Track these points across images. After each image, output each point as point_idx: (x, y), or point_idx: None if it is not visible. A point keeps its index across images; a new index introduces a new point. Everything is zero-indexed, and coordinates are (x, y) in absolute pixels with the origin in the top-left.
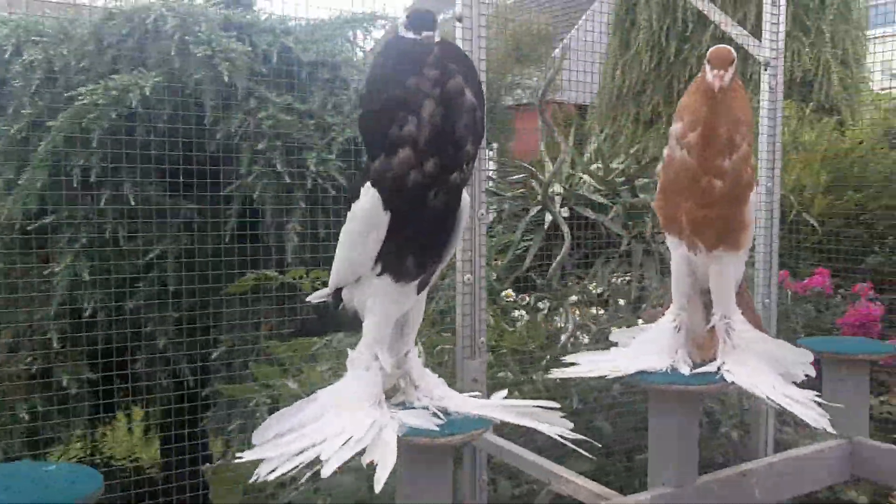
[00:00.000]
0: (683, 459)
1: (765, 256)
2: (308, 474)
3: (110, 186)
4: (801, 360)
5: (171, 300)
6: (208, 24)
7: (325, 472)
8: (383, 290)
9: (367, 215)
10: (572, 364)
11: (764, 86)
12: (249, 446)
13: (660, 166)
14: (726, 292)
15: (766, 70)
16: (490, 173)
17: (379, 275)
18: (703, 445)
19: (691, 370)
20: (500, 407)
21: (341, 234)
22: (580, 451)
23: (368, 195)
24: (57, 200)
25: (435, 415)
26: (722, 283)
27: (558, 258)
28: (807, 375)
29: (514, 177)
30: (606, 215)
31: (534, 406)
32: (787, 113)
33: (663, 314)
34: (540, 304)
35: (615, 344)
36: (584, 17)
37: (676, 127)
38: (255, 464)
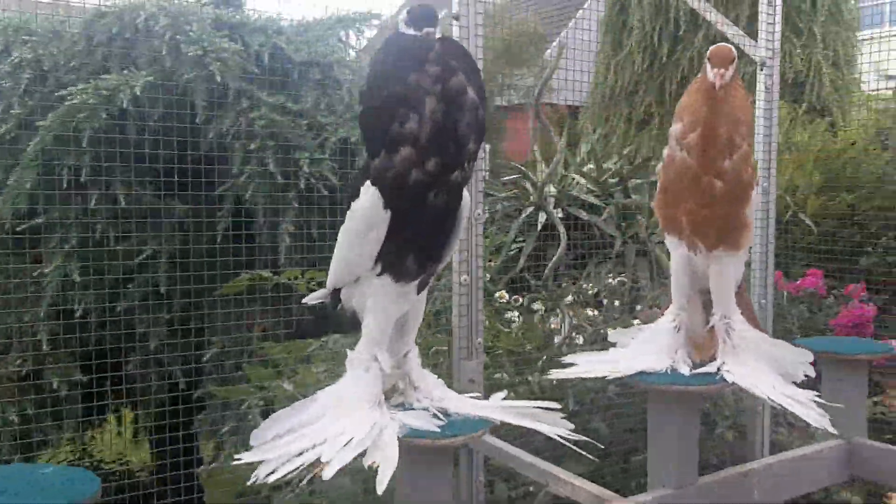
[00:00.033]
0: (683, 460)
1: (761, 257)
2: (309, 476)
3: (101, 187)
4: (800, 361)
5: (162, 301)
6: (199, 24)
7: (327, 473)
8: (383, 290)
9: (366, 214)
10: (571, 365)
11: (760, 86)
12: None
13: (659, 166)
14: (726, 292)
15: (762, 70)
16: (485, 173)
17: (379, 274)
18: (699, 447)
19: (691, 370)
20: (499, 408)
21: (340, 234)
22: (581, 452)
23: (368, 194)
24: (47, 201)
25: (435, 416)
26: (722, 283)
27: (554, 258)
28: (806, 376)
29: (507, 177)
30: (600, 216)
31: (534, 407)
32: (780, 113)
33: (662, 314)
34: (534, 306)
35: (612, 344)
36: (575, 19)
37: (676, 127)
38: (252, 465)
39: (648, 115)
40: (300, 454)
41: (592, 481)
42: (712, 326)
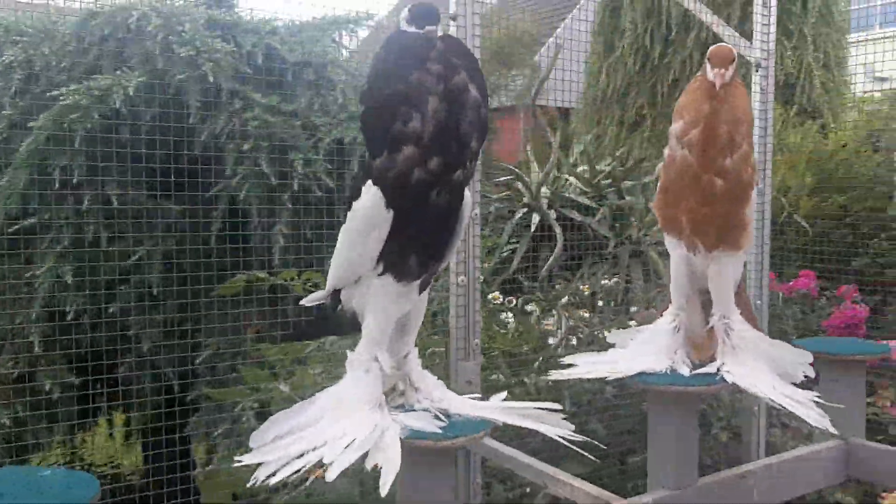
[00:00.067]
0: (683, 461)
1: (756, 258)
2: (312, 478)
3: (94, 187)
4: (799, 361)
5: (156, 303)
6: (192, 24)
7: (330, 476)
8: (384, 291)
9: (368, 214)
10: (570, 365)
11: (755, 87)
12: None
13: (660, 166)
14: (726, 293)
15: (756, 71)
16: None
17: (380, 274)
18: None
19: (691, 371)
20: (500, 409)
21: (341, 234)
22: (583, 453)
23: (370, 193)
24: (39, 201)
25: (436, 417)
26: (721, 284)
27: (551, 259)
28: (806, 376)
29: (500, 179)
30: (593, 217)
31: (535, 408)
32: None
33: (661, 315)
34: (528, 307)
35: (610, 345)
36: (566, 21)
37: (677, 125)
38: (249, 467)
39: (640, 116)
40: (301, 456)
41: (590, 483)
42: (711, 327)
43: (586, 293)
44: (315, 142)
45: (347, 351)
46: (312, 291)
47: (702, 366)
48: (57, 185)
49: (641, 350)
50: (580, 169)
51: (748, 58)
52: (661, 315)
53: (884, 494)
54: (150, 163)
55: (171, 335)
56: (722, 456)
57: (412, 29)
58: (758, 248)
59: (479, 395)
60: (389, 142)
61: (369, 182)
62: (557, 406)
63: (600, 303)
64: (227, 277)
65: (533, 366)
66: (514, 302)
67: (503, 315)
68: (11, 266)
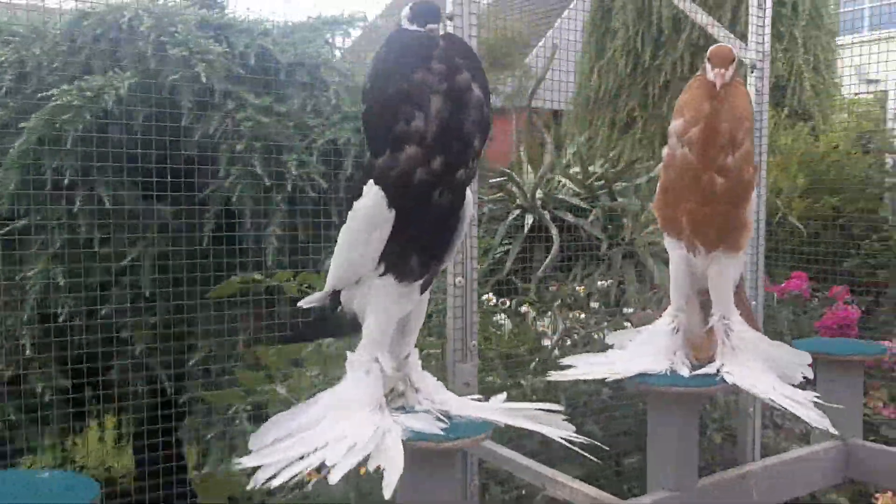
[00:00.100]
0: (683, 462)
1: (751, 258)
2: (314, 481)
3: (85, 189)
4: (798, 362)
5: (148, 304)
6: (185, 25)
7: (333, 478)
8: (385, 291)
9: (370, 214)
10: (569, 367)
11: (750, 88)
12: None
13: (658, 166)
14: (725, 293)
15: (752, 73)
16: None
17: (382, 275)
18: None
19: (690, 372)
20: (502, 410)
21: (341, 234)
22: (585, 454)
23: (372, 193)
24: (30, 203)
25: (438, 419)
26: (721, 284)
27: (548, 260)
28: (805, 377)
29: (493, 180)
30: (586, 219)
31: (536, 409)
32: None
33: (659, 316)
34: (521, 309)
35: (608, 346)
36: (557, 23)
37: (677, 124)
38: (246, 471)
39: (631, 118)
40: (302, 458)
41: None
42: (711, 327)
43: (583, 294)
44: (308, 143)
45: (347, 352)
46: (308, 293)
47: (701, 366)
48: (49, 186)
49: (640, 351)
50: (573, 170)
51: (743, 59)
52: (661, 316)
53: (877, 495)
54: (142, 164)
55: (163, 337)
56: (717, 457)
57: (414, 27)
58: (753, 249)
59: (480, 397)
60: (392, 141)
61: (371, 181)
62: (559, 407)
63: (595, 304)
64: (220, 279)
65: (529, 367)
66: (508, 303)
67: (497, 317)
68: (3, 268)
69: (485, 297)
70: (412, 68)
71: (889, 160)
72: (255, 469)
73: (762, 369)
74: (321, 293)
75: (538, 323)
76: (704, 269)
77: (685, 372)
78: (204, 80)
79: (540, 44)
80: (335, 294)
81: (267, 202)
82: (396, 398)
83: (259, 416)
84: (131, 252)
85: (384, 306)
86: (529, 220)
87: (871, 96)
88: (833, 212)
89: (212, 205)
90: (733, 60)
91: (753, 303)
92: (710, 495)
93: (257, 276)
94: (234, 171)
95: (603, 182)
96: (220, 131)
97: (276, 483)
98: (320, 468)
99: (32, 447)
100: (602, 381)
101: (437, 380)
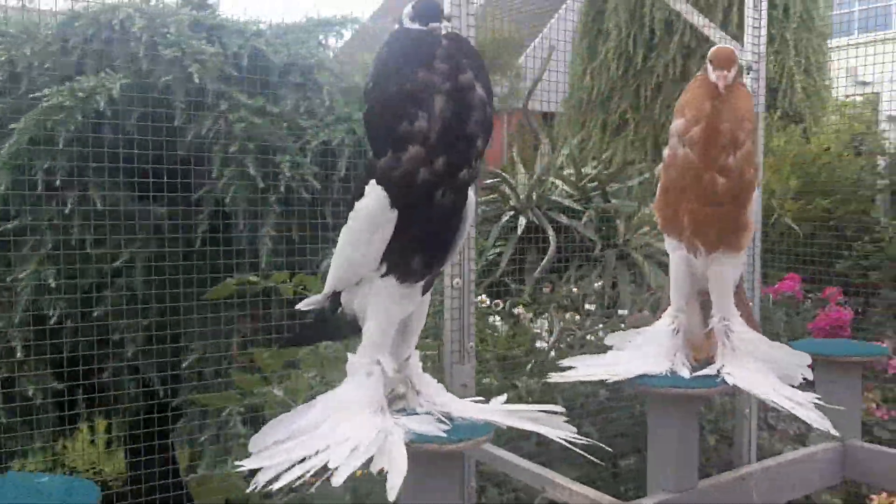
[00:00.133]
0: (683, 463)
1: (748, 260)
2: (318, 483)
3: (77, 190)
4: (798, 363)
5: (140, 307)
6: (177, 26)
7: (337, 480)
8: (387, 292)
9: (372, 214)
10: (569, 368)
11: None
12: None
13: (658, 167)
14: (726, 294)
15: (748, 74)
16: None
17: (383, 275)
18: None
19: (691, 373)
20: (503, 412)
21: (342, 234)
22: (587, 455)
23: (374, 193)
24: (21, 204)
25: (440, 420)
26: (721, 285)
27: (544, 261)
28: (805, 378)
29: (485, 181)
30: (579, 220)
31: (537, 410)
32: None
33: (659, 317)
34: (515, 310)
35: (607, 347)
36: (549, 25)
37: (678, 123)
38: (242, 474)
39: (623, 120)
40: (303, 460)
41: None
42: (711, 328)
43: (580, 296)
44: (302, 144)
45: (348, 354)
46: (305, 294)
47: (701, 368)
48: (40, 188)
49: (640, 352)
50: (566, 172)
51: (739, 61)
52: (660, 317)
53: (872, 497)
54: (135, 165)
55: (156, 339)
56: (713, 459)
57: (416, 25)
58: (750, 251)
59: (481, 399)
60: (395, 141)
61: (373, 181)
62: (560, 408)
63: (593, 306)
64: (213, 281)
65: (525, 369)
66: (502, 305)
67: (490, 318)
68: None
69: (478, 298)
70: (415, 68)
71: (881, 162)
72: (254, 471)
73: (762, 370)
74: (319, 296)
75: (533, 325)
76: (705, 269)
77: (685, 373)
78: (197, 80)
79: (532, 44)
80: (335, 296)
81: (260, 203)
82: (397, 400)
83: (253, 419)
84: (124, 254)
85: (385, 307)
86: (523, 221)
87: (863, 98)
88: (825, 213)
89: (205, 206)
90: (735, 62)
91: (751, 304)
92: (710, 497)
93: (253, 278)
94: (227, 172)
95: (596, 184)
96: (213, 132)
97: (277, 486)
98: (318, 472)
99: (22, 451)
100: (599, 383)
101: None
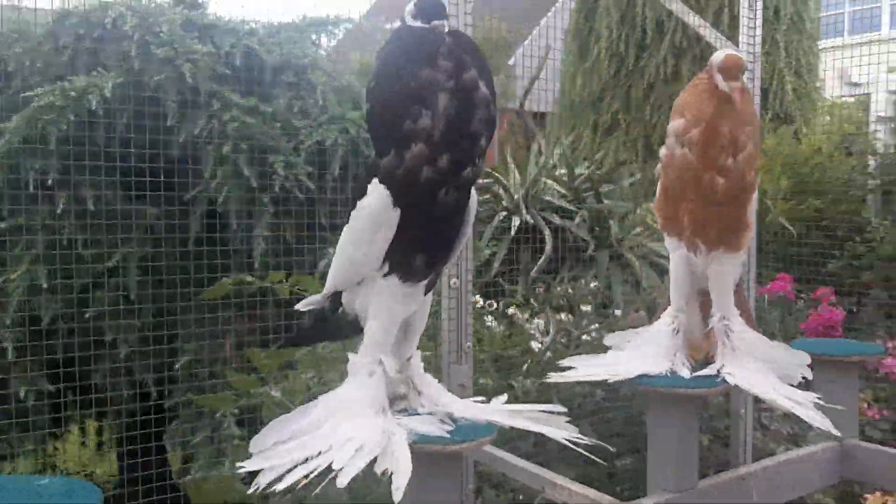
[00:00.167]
0: (683, 463)
1: (743, 260)
2: (323, 484)
3: (69, 190)
4: (797, 363)
5: (132, 307)
6: (170, 25)
7: (341, 482)
8: (389, 291)
9: (374, 213)
10: (569, 368)
11: None
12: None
13: (658, 167)
14: (726, 293)
15: (743, 74)
16: None
17: (386, 275)
18: None
19: (691, 373)
20: (504, 412)
21: (344, 233)
22: (590, 455)
23: (377, 192)
24: (12, 204)
25: (443, 421)
26: (721, 285)
27: (540, 261)
28: (804, 378)
29: (479, 182)
30: (572, 221)
31: (539, 411)
32: None
33: (659, 317)
34: (509, 311)
35: (605, 347)
36: (541, 24)
37: (677, 123)
38: (239, 475)
39: (615, 121)
40: (305, 461)
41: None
42: (711, 328)
43: (576, 296)
44: (296, 144)
45: (349, 354)
46: (300, 295)
47: (701, 367)
48: (31, 188)
49: (641, 352)
50: (559, 172)
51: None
52: (659, 316)
53: (866, 496)
54: (127, 164)
55: (149, 340)
56: (709, 459)
57: (418, 23)
58: (747, 250)
59: (482, 399)
60: (398, 139)
61: (375, 180)
62: (561, 408)
63: (589, 307)
64: (207, 281)
65: (521, 369)
66: (496, 305)
67: (484, 318)
68: None
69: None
70: (418, 65)
71: (872, 162)
72: (253, 473)
73: (762, 370)
74: (319, 296)
75: (529, 325)
76: (705, 269)
77: (685, 373)
78: (189, 80)
79: (523, 44)
80: (335, 295)
81: (254, 203)
82: (398, 400)
83: (249, 420)
84: (116, 254)
85: (388, 307)
86: (516, 221)
87: (853, 99)
88: (817, 214)
89: (198, 206)
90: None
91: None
92: (711, 496)
93: (249, 278)
94: (220, 172)
95: (589, 184)
96: (205, 132)
97: (280, 487)
98: (321, 473)
99: (13, 453)
100: (595, 383)
101: None
